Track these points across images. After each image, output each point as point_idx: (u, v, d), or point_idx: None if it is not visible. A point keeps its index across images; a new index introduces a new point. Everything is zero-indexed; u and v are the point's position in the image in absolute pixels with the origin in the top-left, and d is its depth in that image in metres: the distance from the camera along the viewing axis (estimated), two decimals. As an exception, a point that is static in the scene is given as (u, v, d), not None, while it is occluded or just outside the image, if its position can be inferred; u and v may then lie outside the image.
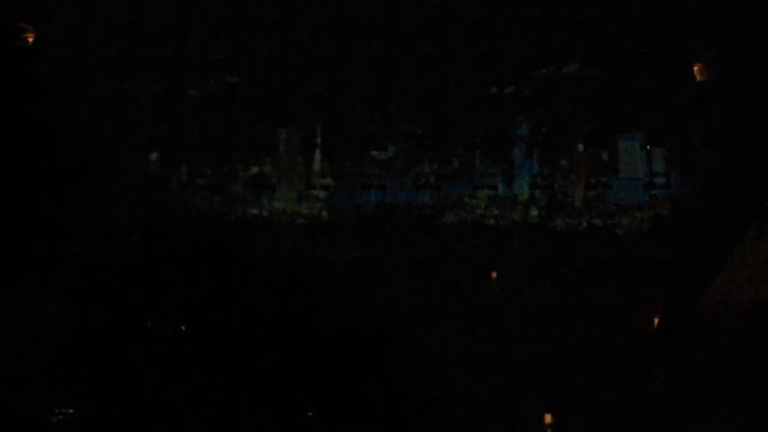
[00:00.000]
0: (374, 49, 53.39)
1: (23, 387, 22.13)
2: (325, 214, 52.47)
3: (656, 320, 37.31)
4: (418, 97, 52.87)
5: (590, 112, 52.30)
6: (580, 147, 52.44)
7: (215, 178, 53.09)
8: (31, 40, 18.81)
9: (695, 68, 52.25)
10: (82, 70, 53.44)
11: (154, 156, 53.48)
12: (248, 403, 23.67)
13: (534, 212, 51.86)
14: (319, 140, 53.24)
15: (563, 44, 52.79)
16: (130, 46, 54.17)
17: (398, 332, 39.52)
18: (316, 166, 53.14)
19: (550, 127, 52.52)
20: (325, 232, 51.92)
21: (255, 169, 53.11)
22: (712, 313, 23.30)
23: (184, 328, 24.15)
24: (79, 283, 23.68)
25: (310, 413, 25.66)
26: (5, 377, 22.06)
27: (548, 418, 49.34)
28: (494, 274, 51.23)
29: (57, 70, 47.50)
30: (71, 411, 23.28)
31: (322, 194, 52.74)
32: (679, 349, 27.65)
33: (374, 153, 52.95)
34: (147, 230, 25.18)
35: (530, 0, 53.17)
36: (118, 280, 23.89)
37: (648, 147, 52.05)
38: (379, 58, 53.34)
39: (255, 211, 52.67)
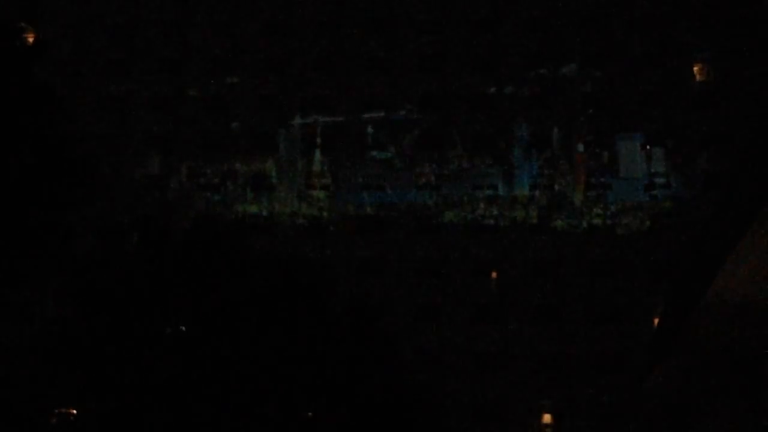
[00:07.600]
0: (374, 49, 53.40)
1: (23, 387, 22.15)
2: (325, 214, 52.50)
3: (656, 320, 37.36)
4: (418, 97, 52.87)
5: (590, 112, 52.31)
6: (580, 147, 52.45)
7: (215, 178, 53.11)
8: (31, 40, 18.83)
9: (695, 68, 52.26)
10: (82, 70, 53.48)
11: (154, 156, 53.50)
12: (248, 402, 23.68)
13: (534, 212, 51.86)
14: (319, 140, 53.26)
15: (563, 44, 52.79)
16: (130, 46, 54.20)
17: (398, 332, 39.59)
18: (316, 166, 53.16)
19: (549, 127, 52.52)
20: (325, 232, 51.93)
21: (255, 169, 53.12)
22: (712, 313, 23.34)
23: (184, 328, 24.17)
24: (80, 284, 23.70)
25: (310, 413, 25.69)
26: (5, 377, 22.08)
27: (548, 418, 49.34)
28: (494, 274, 51.23)
29: (57, 70, 47.57)
30: (71, 411, 23.31)
31: (322, 194, 52.75)
32: (679, 349, 27.69)
33: (374, 153, 52.97)
34: (147, 230, 25.20)
35: (530, 0, 53.19)
36: (118, 280, 23.91)
37: (648, 147, 52.05)
38: (379, 58, 53.35)
39: (255, 211, 52.69)
